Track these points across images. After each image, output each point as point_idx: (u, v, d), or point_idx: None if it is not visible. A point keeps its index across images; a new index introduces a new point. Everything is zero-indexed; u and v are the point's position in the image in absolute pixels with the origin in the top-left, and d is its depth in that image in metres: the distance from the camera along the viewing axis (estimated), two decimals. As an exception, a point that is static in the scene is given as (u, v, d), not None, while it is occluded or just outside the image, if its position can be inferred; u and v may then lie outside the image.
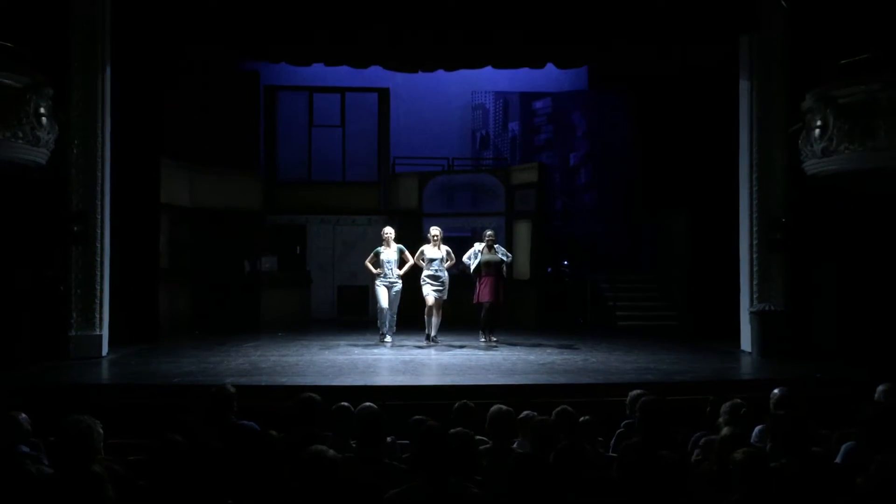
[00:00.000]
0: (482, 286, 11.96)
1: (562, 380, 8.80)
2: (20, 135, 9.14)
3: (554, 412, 5.27)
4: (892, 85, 9.38)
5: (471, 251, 12.19)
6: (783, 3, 10.86)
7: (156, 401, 7.73)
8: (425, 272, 11.79)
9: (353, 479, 3.93)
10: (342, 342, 12.17)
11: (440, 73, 13.04)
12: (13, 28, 9.47)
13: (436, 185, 16.83)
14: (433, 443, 3.86)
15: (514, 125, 18.29)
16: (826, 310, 10.84)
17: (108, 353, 10.51)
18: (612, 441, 5.78)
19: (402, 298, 12.01)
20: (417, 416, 5.38)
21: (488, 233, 12.35)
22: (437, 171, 17.03)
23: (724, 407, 5.49)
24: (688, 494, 4.08)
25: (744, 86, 11.49)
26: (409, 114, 17.42)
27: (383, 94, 17.14)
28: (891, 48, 9.48)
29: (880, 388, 6.03)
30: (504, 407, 5.10)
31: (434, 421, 4.50)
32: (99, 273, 10.50)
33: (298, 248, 17.03)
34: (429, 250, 11.85)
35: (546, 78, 16.82)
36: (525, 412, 5.47)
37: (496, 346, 11.78)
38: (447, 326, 12.34)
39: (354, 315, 16.26)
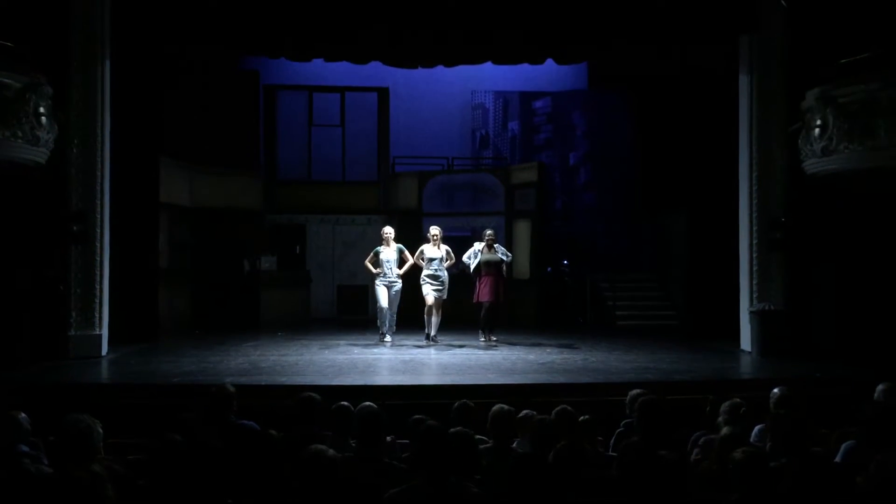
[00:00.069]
0: (482, 285, 11.97)
1: (561, 379, 8.80)
2: (20, 134, 9.14)
3: (554, 412, 5.27)
4: (891, 84, 9.37)
5: (470, 251, 12.19)
6: (783, 2, 10.86)
7: (155, 400, 7.72)
8: (425, 272, 11.79)
9: (353, 478, 3.93)
10: (342, 342, 12.17)
11: (440, 72, 13.06)
12: (13, 27, 9.47)
13: (435, 184, 16.83)
14: (433, 442, 3.86)
15: (513, 125, 18.28)
16: (826, 309, 10.84)
17: (107, 353, 10.51)
18: (612, 440, 5.78)
19: (401, 298, 12.01)
20: (417, 416, 5.38)
21: (488, 232, 12.35)
22: (436, 171, 17.03)
23: (724, 406, 5.48)
24: (687, 494, 4.09)
25: (744, 85, 11.49)
26: (409, 113, 17.41)
27: (383, 93, 17.14)
28: (891, 47, 9.47)
29: (880, 387, 6.03)
30: (506, 407, 5.10)
31: (434, 420, 4.50)
32: (98, 272, 10.49)
33: (298, 247, 17.04)
34: (428, 250, 11.85)
35: (546, 77, 16.86)
36: (524, 411, 5.48)
37: (496, 346, 11.78)
38: (447, 326, 12.34)
39: (354, 315, 16.27)
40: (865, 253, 10.48)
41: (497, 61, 12.20)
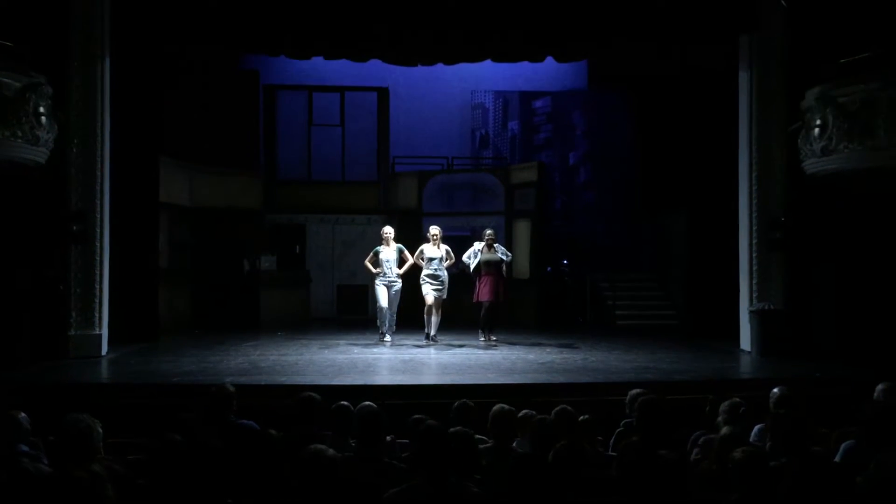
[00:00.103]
0: (482, 285, 11.97)
1: (561, 379, 8.80)
2: (19, 134, 9.13)
3: (553, 411, 5.27)
4: (891, 84, 9.37)
5: (470, 250, 12.18)
6: (783, 2, 10.86)
7: (155, 400, 7.72)
8: (425, 271, 11.79)
9: (353, 478, 3.93)
10: (342, 341, 12.17)
11: (440, 72, 13.06)
12: (13, 27, 9.47)
13: (435, 184, 16.82)
14: (433, 442, 3.86)
15: (513, 124, 18.29)
16: (825, 309, 10.84)
17: (107, 353, 10.51)
18: (612, 440, 5.78)
19: (401, 298, 12.01)
20: (417, 416, 5.38)
21: (488, 232, 12.35)
22: (436, 171, 17.02)
23: (724, 406, 5.48)
24: (687, 494, 4.08)
25: (743, 85, 11.49)
26: (409, 113, 17.40)
27: (383, 93, 17.13)
28: (891, 47, 9.47)
29: (879, 387, 6.03)
30: (506, 406, 5.10)
31: (433, 420, 4.49)
32: (98, 272, 10.49)
33: (298, 247, 17.03)
34: (428, 249, 11.85)
35: (546, 77, 16.86)
36: (524, 411, 5.48)
37: (496, 346, 11.78)
38: (447, 325, 12.34)
39: (354, 314, 16.26)
40: (865, 253, 10.48)
41: (497, 59, 12.17)
